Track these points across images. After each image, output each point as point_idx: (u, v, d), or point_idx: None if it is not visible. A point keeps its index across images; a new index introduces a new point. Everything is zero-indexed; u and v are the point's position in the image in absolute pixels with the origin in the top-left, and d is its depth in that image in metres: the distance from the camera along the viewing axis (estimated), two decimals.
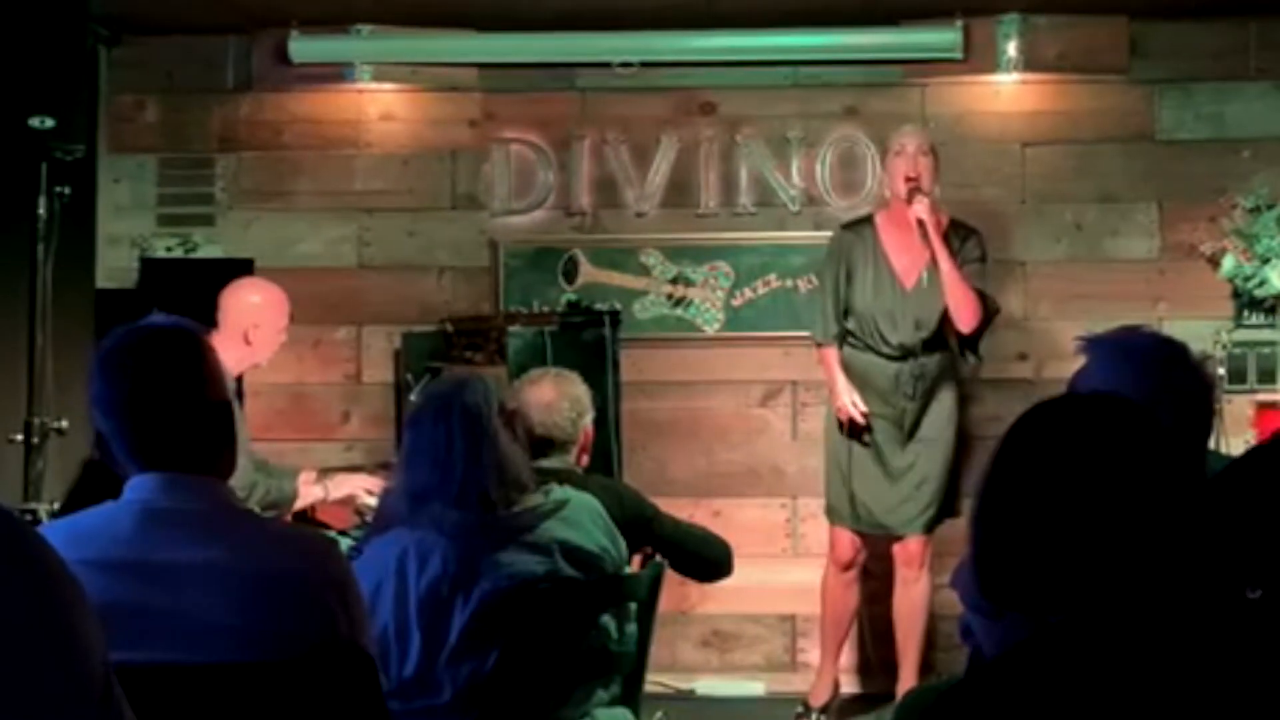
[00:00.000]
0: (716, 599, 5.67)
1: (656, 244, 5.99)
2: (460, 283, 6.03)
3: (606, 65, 5.93)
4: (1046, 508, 1.70)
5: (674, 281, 5.98)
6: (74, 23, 4.70)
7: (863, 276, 5.20)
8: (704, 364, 5.97)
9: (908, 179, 5.07)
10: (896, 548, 5.22)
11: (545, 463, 3.51)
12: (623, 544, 3.33)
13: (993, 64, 5.88)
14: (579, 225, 6.04)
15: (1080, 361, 2.66)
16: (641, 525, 3.63)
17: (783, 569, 5.83)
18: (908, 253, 5.17)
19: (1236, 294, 5.72)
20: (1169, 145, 5.88)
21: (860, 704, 5.63)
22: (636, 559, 3.62)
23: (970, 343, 5.18)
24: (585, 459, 3.79)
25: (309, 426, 5.96)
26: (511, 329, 5.41)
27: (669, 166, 5.99)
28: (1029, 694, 1.62)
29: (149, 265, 6.00)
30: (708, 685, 5.87)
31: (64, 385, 4.60)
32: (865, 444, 5.15)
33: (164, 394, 2.29)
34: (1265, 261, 5.59)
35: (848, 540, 5.24)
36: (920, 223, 5.04)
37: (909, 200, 5.05)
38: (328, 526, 4.55)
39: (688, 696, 5.78)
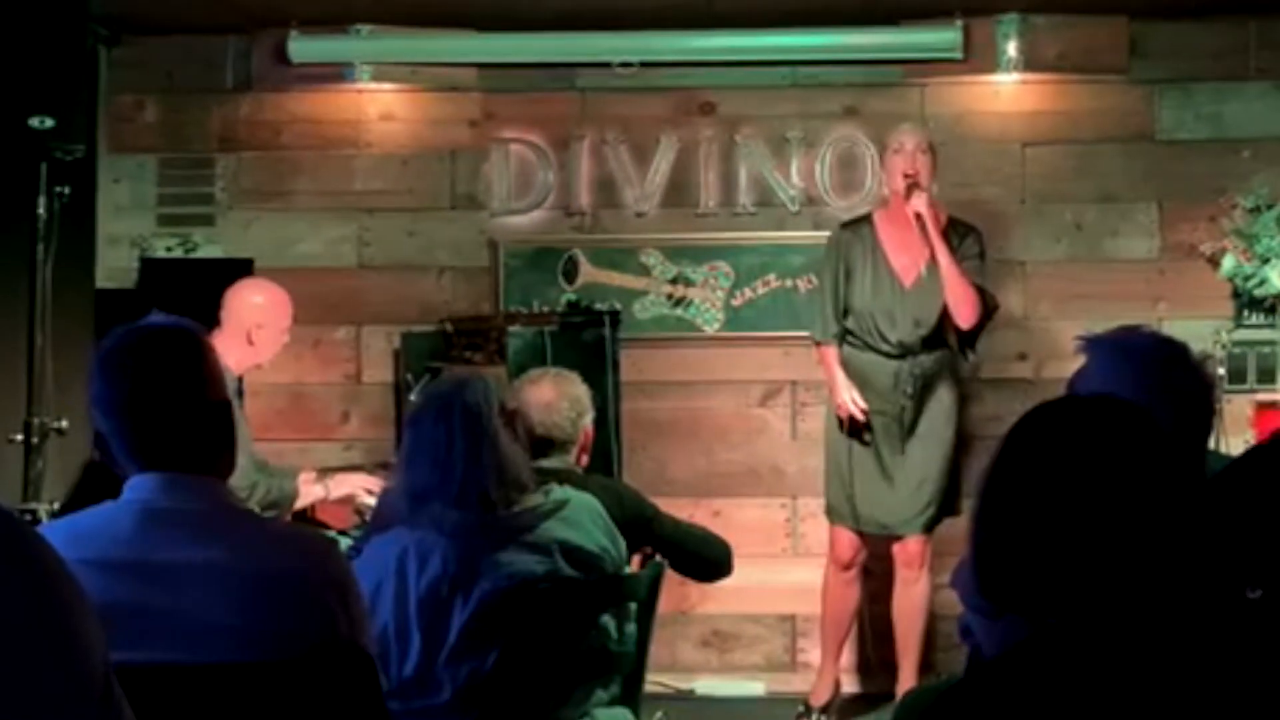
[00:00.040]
0: (716, 599, 5.67)
1: (656, 244, 5.99)
2: (460, 283, 6.03)
3: (606, 65, 5.93)
4: (1046, 509, 1.70)
5: (674, 281, 5.98)
6: (74, 23, 4.70)
7: (861, 275, 5.20)
8: (704, 364, 5.97)
9: (906, 175, 5.07)
10: (896, 547, 5.22)
11: (545, 463, 3.51)
12: (623, 544, 3.33)
13: (993, 64, 5.88)
14: (579, 225, 6.04)
15: (1080, 361, 2.66)
16: (641, 525, 3.63)
17: (783, 569, 5.83)
18: (907, 251, 5.17)
19: (1236, 294, 5.72)
20: (1169, 145, 5.88)
21: (860, 704, 5.63)
22: (636, 559, 3.62)
23: (969, 339, 5.19)
24: (585, 459, 3.79)
25: (308, 426, 5.96)
26: (511, 329, 5.41)
27: (669, 166, 5.99)
28: (1028, 694, 1.62)
29: (149, 265, 6.00)
30: (708, 685, 5.87)
31: (64, 385, 4.60)
32: (865, 443, 5.15)
33: (164, 394, 2.29)
34: (1265, 261, 5.59)
35: (848, 540, 5.24)
36: (918, 217, 5.05)
37: (907, 195, 5.05)
38: (327, 526, 4.56)
39: (687, 696, 5.78)
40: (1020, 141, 5.92)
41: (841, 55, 5.91)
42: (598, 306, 5.66)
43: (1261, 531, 1.95)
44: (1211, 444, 2.82)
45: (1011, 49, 5.86)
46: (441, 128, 6.07)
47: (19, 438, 4.60)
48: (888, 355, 5.15)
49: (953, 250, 5.08)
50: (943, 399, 5.18)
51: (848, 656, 5.61)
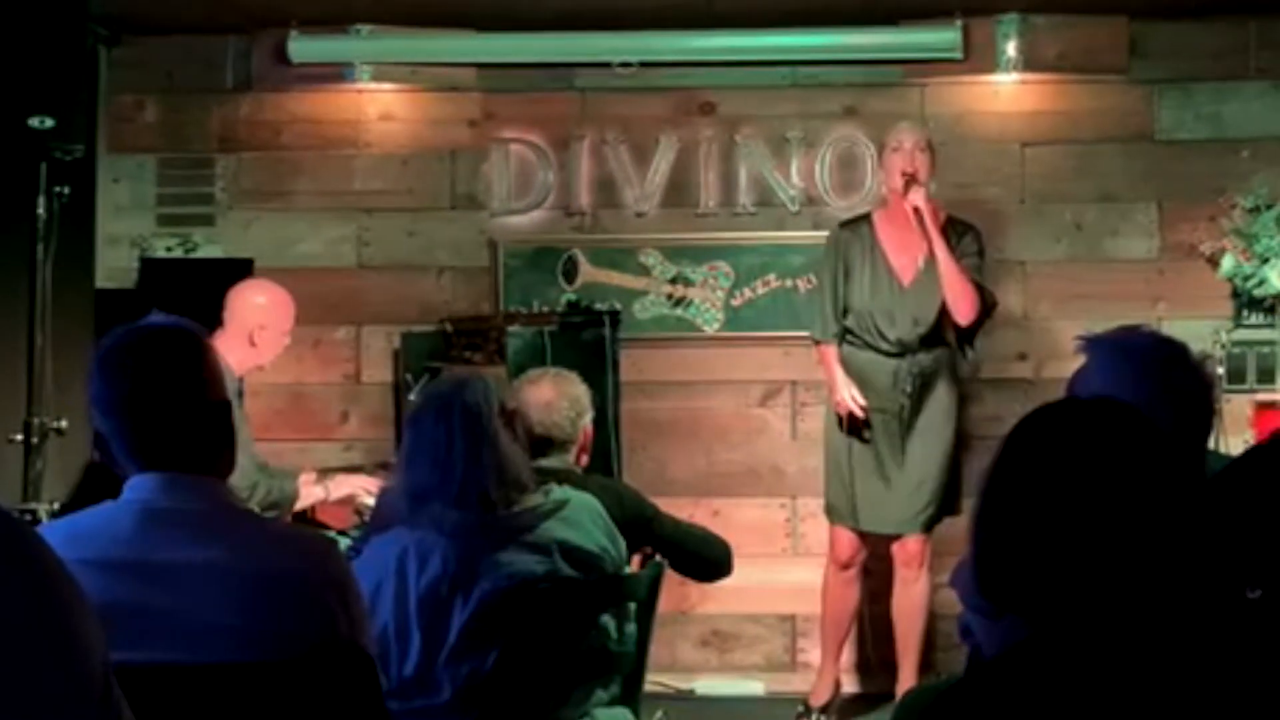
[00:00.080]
0: (716, 599, 5.67)
1: (656, 244, 5.99)
2: (460, 283, 6.03)
3: (606, 65, 5.93)
4: (1047, 511, 1.70)
5: (673, 281, 5.98)
6: (74, 23, 4.70)
7: (860, 273, 5.21)
8: (704, 364, 5.97)
9: (904, 174, 5.08)
10: (896, 547, 5.22)
11: (544, 462, 3.51)
12: (622, 544, 3.33)
13: (992, 64, 5.88)
14: (578, 225, 6.04)
15: (1080, 361, 2.66)
16: (641, 525, 3.63)
17: (782, 569, 5.83)
18: (906, 250, 5.18)
19: (1236, 294, 5.72)
20: (1168, 145, 5.88)
21: (860, 704, 5.63)
22: (636, 559, 3.62)
23: (968, 336, 5.19)
24: (584, 459, 3.79)
25: (308, 426, 5.96)
26: (511, 329, 5.41)
27: (668, 166, 5.99)
28: (1028, 694, 1.63)
29: (149, 265, 6.00)
30: (707, 685, 5.87)
31: (63, 385, 4.60)
32: (865, 440, 5.15)
33: (164, 394, 2.29)
34: (1264, 261, 5.59)
35: (847, 539, 5.24)
36: (916, 211, 5.05)
37: (905, 191, 5.06)
38: (327, 527, 4.56)
39: (687, 696, 5.78)
40: (1020, 141, 5.92)
41: (841, 55, 5.91)
42: (597, 306, 5.66)
43: (1261, 531, 1.95)
44: (1211, 444, 2.82)
45: (1011, 49, 5.86)
46: (441, 128, 6.07)
47: (19, 438, 4.59)
48: (887, 354, 5.15)
49: (951, 248, 5.08)
50: (942, 397, 5.17)
51: (847, 656, 5.61)
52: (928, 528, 5.13)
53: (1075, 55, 5.87)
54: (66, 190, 4.72)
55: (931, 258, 5.08)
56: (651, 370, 5.92)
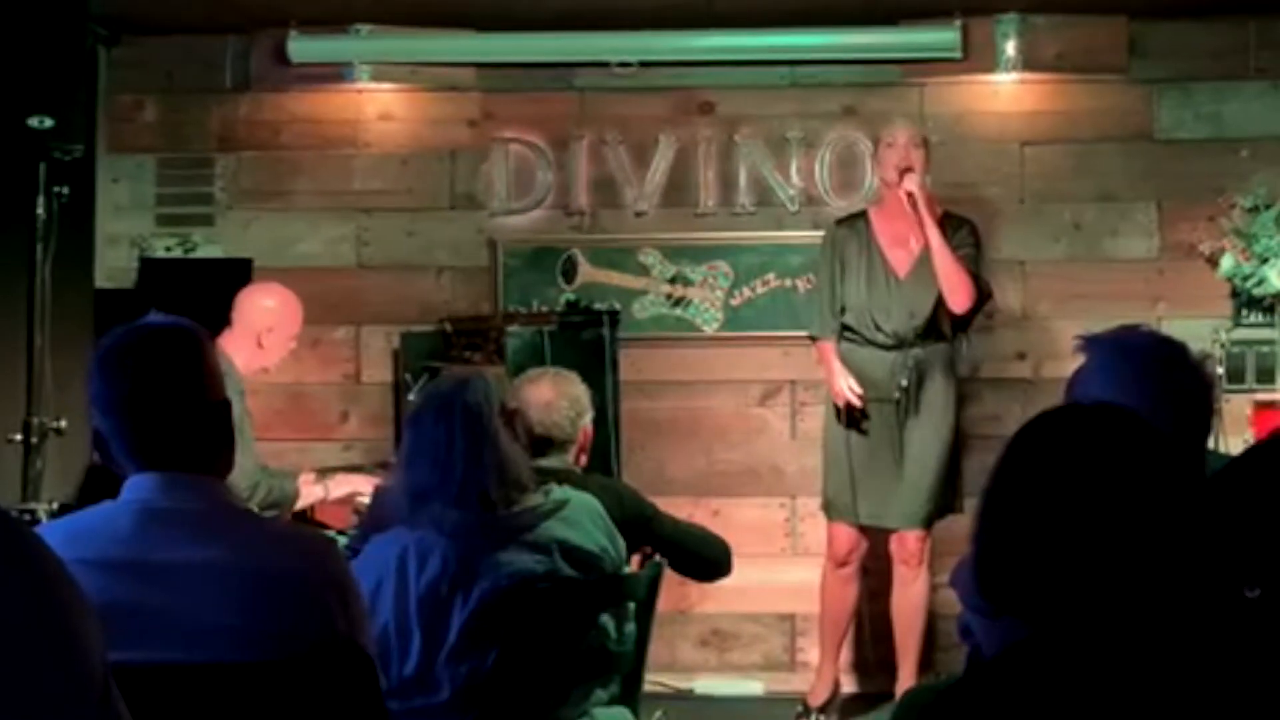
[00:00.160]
0: (716, 598, 5.67)
1: (655, 244, 5.99)
2: (459, 282, 6.03)
3: (605, 65, 5.93)
4: (1048, 515, 1.71)
5: (673, 281, 5.98)
6: (73, 23, 4.70)
7: (857, 269, 5.21)
8: (703, 364, 5.97)
9: (899, 168, 5.09)
10: (895, 545, 5.22)
11: (544, 462, 3.51)
12: (622, 544, 3.33)
13: (991, 64, 5.88)
14: (578, 225, 6.04)
15: (1079, 361, 2.66)
16: (641, 525, 3.63)
17: (782, 568, 5.83)
18: (901, 244, 5.19)
19: (1235, 293, 5.72)
20: (1168, 145, 5.88)
21: (859, 703, 5.63)
22: (636, 558, 3.63)
23: (963, 324, 5.19)
24: (584, 458, 3.80)
25: (308, 426, 5.96)
26: (510, 329, 5.41)
27: (668, 166, 5.99)
28: (1028, 693, 1.63)
29: (148, 265, 6.00)
30: (707, 685, 5.87)
31: (63, 385, 4.60)
32: (864, 432, 5.15)
33: (163, 393, 2.29)
34: (1264, 261, 5.59)
35: (845, 535, 5.23)
36: (910, 196, 5.05)
37: (900, 179, 5.06)
38: (327, 526, 4.56)
39: (687, 696, 5.77)
40: (1019, 141, 5.92)
41: (841, 55, 5.91)
42: (597, 306, 5.66)
43: (1260, 531, 1.95)
44: (1211, 444, 2.82)
45: (1010, 49, 5.86)
46: (441, 127, 6.07)
47: (18, 438, 4.60)
48: (884, 347, 5.15)
49: (947, 241, 5.08)
50: (939, 391, 5.16)
51: (846, 656, 5.61)
52: (927, 523, 5.13)
53: (1075, 55, 5.87)
54: (66, 190, 4.73)
55: (927, 250, 5.08)
56: (651, 370, 5.92)
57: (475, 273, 6.03)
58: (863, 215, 5.33)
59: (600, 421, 4.16)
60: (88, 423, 2.36)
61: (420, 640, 3.03)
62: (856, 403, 5.09)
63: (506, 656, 3.04)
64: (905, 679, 5.20)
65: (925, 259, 5.12)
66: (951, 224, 5.18)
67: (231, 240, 6.05)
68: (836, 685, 5.42)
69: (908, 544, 5.17)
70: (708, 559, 3.86)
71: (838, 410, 5.17)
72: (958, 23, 5.78)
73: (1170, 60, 5.87)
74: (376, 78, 6.02)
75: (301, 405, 5.99)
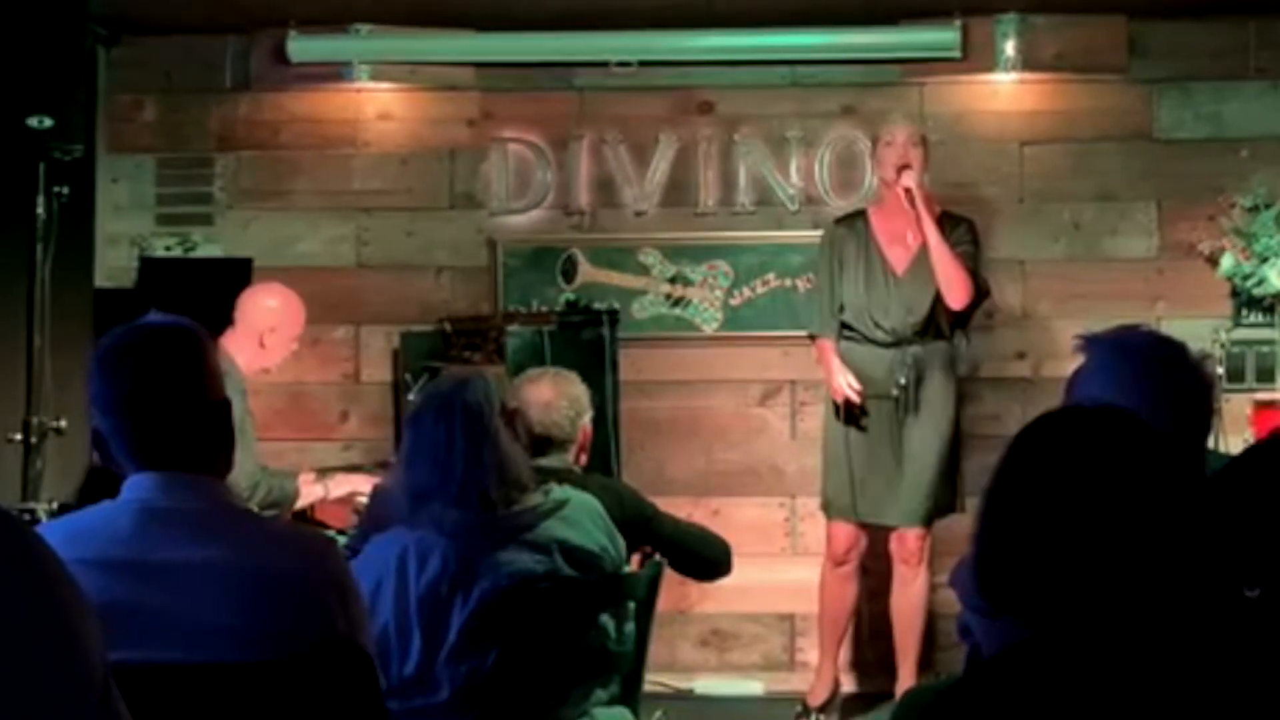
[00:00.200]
0: (715, 598, 5.67)
1: (655, 243, 5.99)
2: (459, 282, 6.03)
3: (604, 65, 5.93)
4: (1049, 517, 1.71)
5: (672, 281, 5.98)
6: (73, 23, 4.70)
7: (855, 267, 5.22)
8: (703, 363, 5.97)
9: (897, 167, 5.09)
10: (894, 543, 5.21)
11: (544, 462, 3.51)
12: (622, 543, 3.33)
13: (991, 63, 5.88)
14: (577, 225, 6.03)
15: (1079, 360, 2.66)
16: (641, 525, 3.63)
17: (781, 568, 5.82)
18: (899, 241, 5.20)
19: (1235, 293, 5.72)
20: (1168, 144, 5.88)
21: (859, 703, 5.63)
22: (636, 558, 3.63)
23: (961, 321, 5.19)
24: (584, 458, 3.80)
25: (307, 426, 5.96)
26: (510, 328, 5.41)
27: (667, 166, 5.99)
28: (1027, 693, 1.63)
29: (148, 265, 5.99)
30: (706, 684, 5.87)
31: (63, 385, 4.60)
32: (863, 429, 5.15)
33: (163, 393, 2.29)
34: (1264, 260, 5.59)
35: (844, 533, 5.23)
36: (908, 191, 5.05)
37: (898, 175, 5.07)
38: (327, 526, 4.57)
39: (686, 696, 5.77)
40: (1019, 141, 5.92)
41: (840, 55, 5.91)
42: (596, 306, 5.66)
43: (1260, 531, 1.95)
44: (1211, 443, 2.82)
45: (1010, 48, 5.86)
46: (440, 127, 6.07)
47: (18, 437, 4.60)
48: (882, 344, 5.15)
49: (945, 238, 5.08)
50: (938, 388, 5.16)
51: (846, 656, 5.61)
52: (927, 521, 5.13)
53: (1074, 55, 5.87)
54: (65, 190, 4.73)
55: (925, 248, 5.09)
56: (650, 370, 5.92)
57: (475, 272, 6.03)
58: (861, 214, 5.34)
59: (600, 421, 4.17)
60: (88, 423, 2.36)
61: (420, 640, 3.03)
62: (855, 399, 5.09)
63: (506, 656, 3.04)
64: (905, 679, 5.20)
65: (923, 256, 5.12)
66: (950, 222, 5.18)
67: (231, 240, 6.05)
68: (836, 685, 5.42)
69: (907, 542, 5.17)
70: (708, 559, 3.86)
71: (837, 408, 5.17)
72: (957, 22, 5.78)
73: (1170, 60, 5.87)
74: (376, 77, 6.02)
75: (301, 405, 5.99)
